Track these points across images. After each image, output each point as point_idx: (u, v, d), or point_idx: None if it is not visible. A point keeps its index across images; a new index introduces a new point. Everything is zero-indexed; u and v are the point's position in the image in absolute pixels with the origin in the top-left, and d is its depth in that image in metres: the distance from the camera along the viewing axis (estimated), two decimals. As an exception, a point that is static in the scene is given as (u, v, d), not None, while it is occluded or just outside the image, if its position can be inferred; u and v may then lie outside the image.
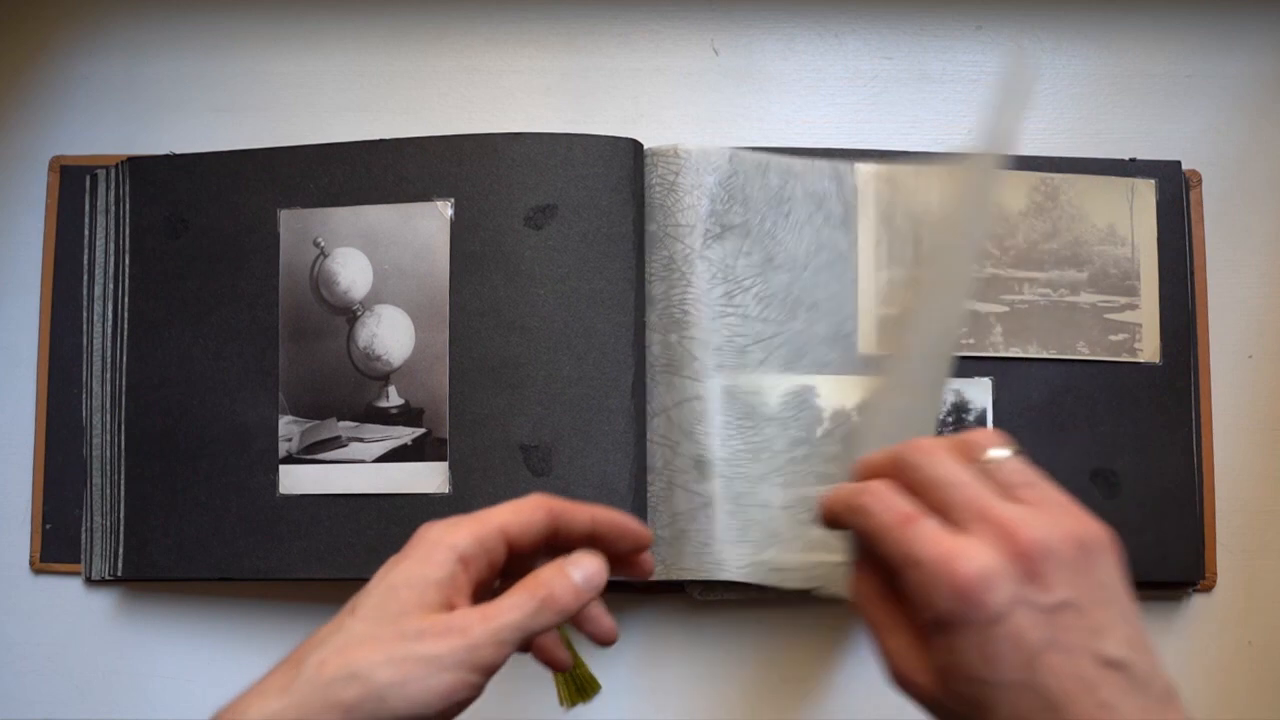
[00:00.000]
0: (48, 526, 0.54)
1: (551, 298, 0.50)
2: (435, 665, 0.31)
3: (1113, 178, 0.53)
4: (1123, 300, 0.52)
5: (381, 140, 0.52)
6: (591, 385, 0.50)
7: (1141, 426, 0.52)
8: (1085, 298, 0.52)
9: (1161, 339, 0.52)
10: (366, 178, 0.52)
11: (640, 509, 0.50)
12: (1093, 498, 0.51)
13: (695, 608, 0.54)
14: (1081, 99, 0.57)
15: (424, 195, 0.51)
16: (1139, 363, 0.52)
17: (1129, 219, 0.52)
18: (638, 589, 0.52)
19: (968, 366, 0.52)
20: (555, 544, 0.36)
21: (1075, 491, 0.49)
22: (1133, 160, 0.53)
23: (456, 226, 0.51)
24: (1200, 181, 0.55)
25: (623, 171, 0.51)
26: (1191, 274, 0.53)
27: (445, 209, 0.51)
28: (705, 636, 0.54)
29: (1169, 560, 0.51)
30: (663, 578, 0.49)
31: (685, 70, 0.57)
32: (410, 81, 0.57)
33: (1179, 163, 0.53)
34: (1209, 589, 0.52)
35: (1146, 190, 0.53)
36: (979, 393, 0.52)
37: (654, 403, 0.51)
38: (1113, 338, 0.52)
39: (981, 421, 0.52)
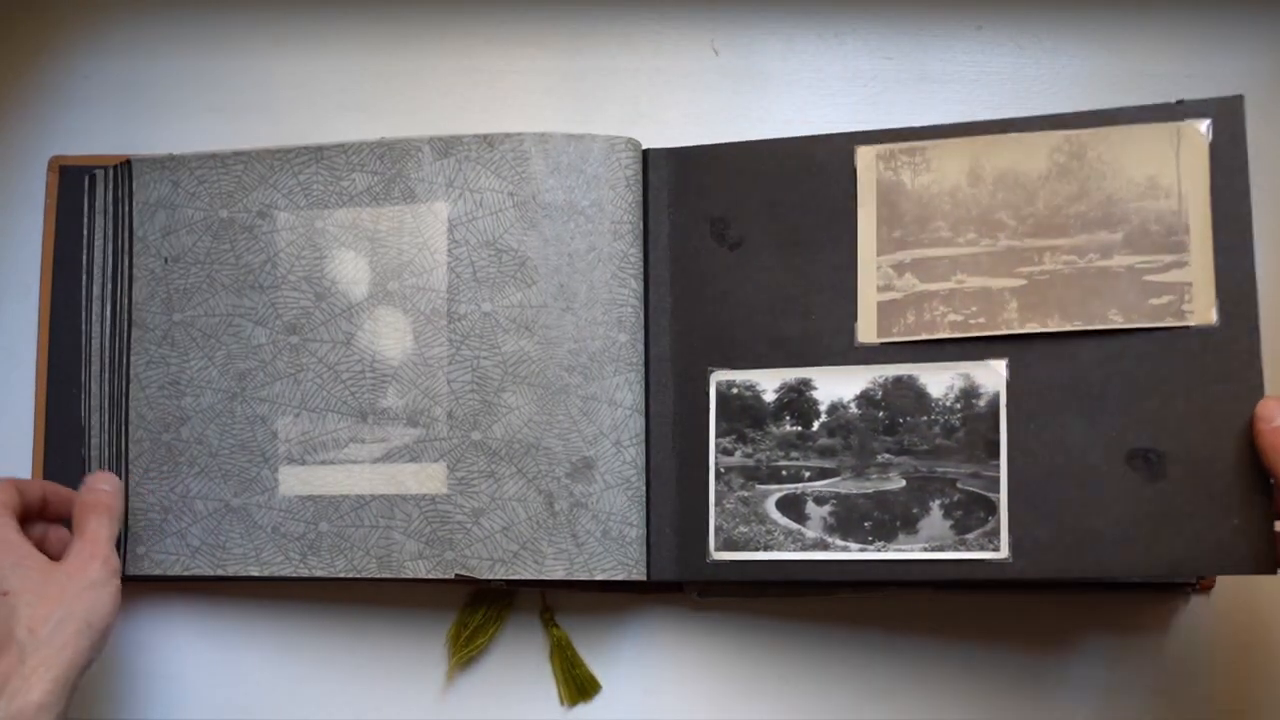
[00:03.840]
0: (47, 527, 0.55)
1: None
2: (99, 585, 0.45)
3: (1154, 125, 0.47)
4: (1167, 259, 0.46)
5: (381, 140, 0.52)
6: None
7: (1195, 398, 0.45)
8: (1120, 260, 0.46)
9: (1219, 297, 0.45)
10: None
11: (660, 503, 0.50)
12: (1129, 483, 0.46)
13: (695, 608, 0.54)
14: (1081, 99, 0.57)
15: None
16: (1189, 327, 0.45)
17: (1174, 167, 0.46)
18: (638, 589, 0.52)
19: (977, 348, 0.48)
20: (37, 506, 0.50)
21: (1108, 478, 0.46)
22: (1180, 102, 0.47)
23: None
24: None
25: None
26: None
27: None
28: (705, 636, 0.54)
29: (1228, 552, 0.44)
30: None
31: (685, 70, 0.57)
32: (410, 81, 0.57)
33: (1242, 97, 0.47)
34: (1208, 589, 0.52)
35: (1196, 135, 0.46)
36: (990, 376, 0.48)
37: (660, 403, 0.51)
38: (1154, 301, 0.46)
39: (993, 407, 0.47)
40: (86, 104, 0.58)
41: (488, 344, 0.50)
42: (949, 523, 0.48)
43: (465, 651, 0.53)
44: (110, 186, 0.54)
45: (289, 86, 0.58)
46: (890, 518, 0.48)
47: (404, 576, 0.50)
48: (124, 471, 0.52)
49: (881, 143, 0.49)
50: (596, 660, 0.54)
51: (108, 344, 0.54)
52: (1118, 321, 0.46)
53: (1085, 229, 0.47)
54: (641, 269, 0.51)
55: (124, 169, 0.54)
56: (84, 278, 0.55)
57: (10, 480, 0.48)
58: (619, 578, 0.49)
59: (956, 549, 0.47)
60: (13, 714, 0.41)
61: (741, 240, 0.51)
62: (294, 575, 0.51)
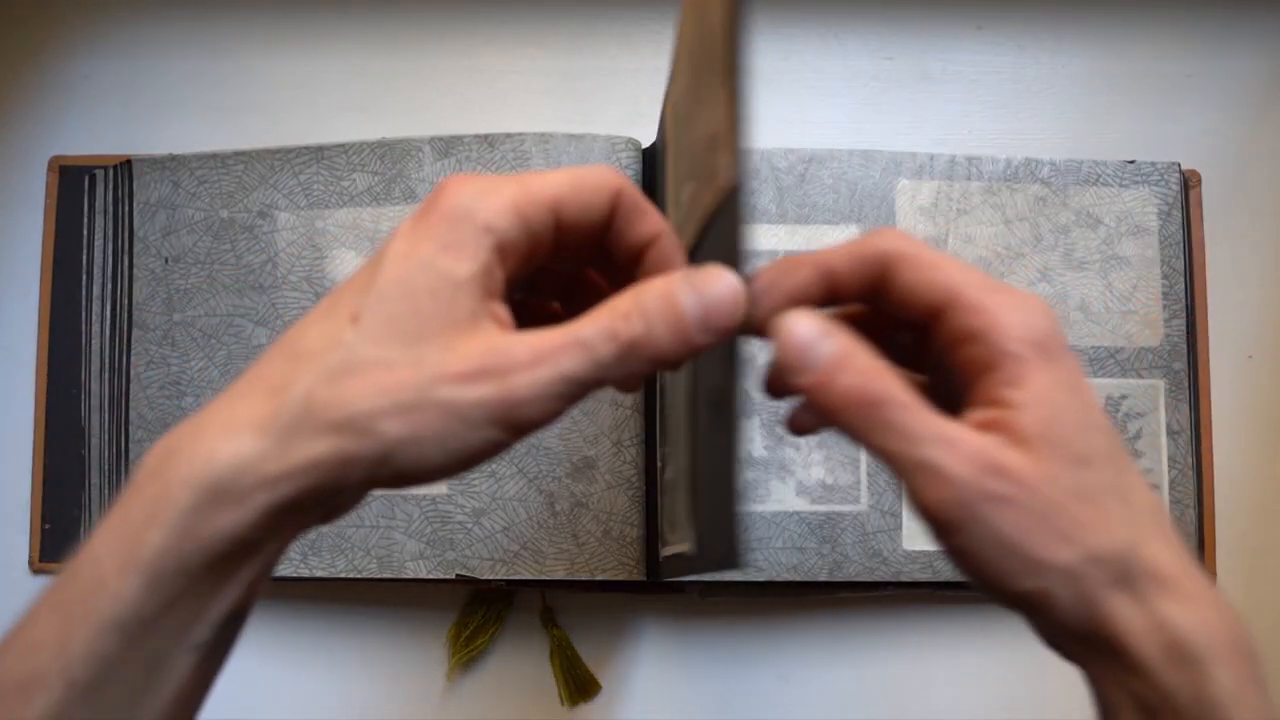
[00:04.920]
0: (47, 526, 0.54)
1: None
2: (460, 420, 0.23)
3: None
4: (714, 96, 0.28)
5: (381, 140, 0.52)
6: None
7: None
8: (706, 117, 0.29)
9: (738, 138, 0.26)
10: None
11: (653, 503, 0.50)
12: (710, 440, 0.28)
13: (695, 608, 0.54)
14: (1081, 99, 0.57)
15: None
16: (724, 193, 0.27)
17: None
18: (638, 589, 0.52)
19: None
20: (605, 244, 0.27)
21: (700, 433, 0.30)
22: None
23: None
24: (1200, 182, 0.55)
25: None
26: (1190, 274, 0.53)
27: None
28: (705, 636, 0.54)
29: (704, 543, 0.29)
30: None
31: (685, 70, 0.57)
32: (410, 81, 0.57)
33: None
34: (1209, 589, 0.52)
35: None
36: None
37: (659, 401, 0.51)
38: (710, 165, 0.28)
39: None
40: (86, 104, 0.58)
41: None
42: (688, 509, 0.35)
43: (465, 651, 0.53)
44: (110, 186, 0.54)
45: (289, 86, 0.58)
46: (674, 507, 0.39)
47: (404, 577, 0.50)
48: (125, 472, 0.52)
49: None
50: (596, 660, 0.54)
51: (108, 344, 0.54)
52: (697, 209, 0.30)
53: (694, 85, 0.31)
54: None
55: (124, 169, 0.54)
56: (84, 278, 0.55)
57: (609, 178, 0.27)
58: (619, 578, 0.49)
59: (685, 540, 0.34)
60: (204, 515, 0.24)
61: None
62: (294, 575, 0.51)
